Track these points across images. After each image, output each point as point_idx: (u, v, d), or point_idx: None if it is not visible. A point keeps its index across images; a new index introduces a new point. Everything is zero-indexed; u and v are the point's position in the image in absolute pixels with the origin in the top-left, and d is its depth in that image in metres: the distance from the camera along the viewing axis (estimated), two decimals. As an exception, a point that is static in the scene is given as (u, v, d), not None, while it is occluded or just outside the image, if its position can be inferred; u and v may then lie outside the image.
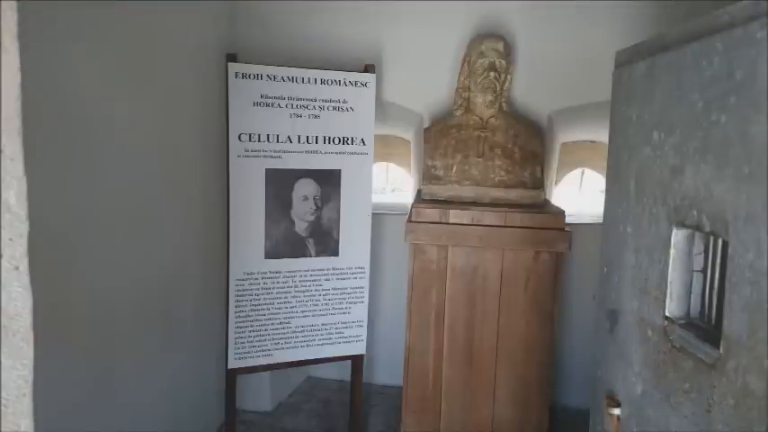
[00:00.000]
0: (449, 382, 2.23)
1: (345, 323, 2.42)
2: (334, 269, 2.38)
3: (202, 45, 2.30)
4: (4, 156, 0.51)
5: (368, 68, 2.38)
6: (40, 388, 0.59)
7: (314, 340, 2.38)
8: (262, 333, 2.29)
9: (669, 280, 1.09)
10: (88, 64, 1.57)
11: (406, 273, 2.22)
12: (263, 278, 2.27)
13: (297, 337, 2.35)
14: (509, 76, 2.42)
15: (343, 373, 2.81)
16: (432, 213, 2.17)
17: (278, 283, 2.30)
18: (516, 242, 2.12)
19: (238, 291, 2.24)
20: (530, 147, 2.40)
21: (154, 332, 2.01)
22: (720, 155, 0.90)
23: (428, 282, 2.20)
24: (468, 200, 2.32)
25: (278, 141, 2.24)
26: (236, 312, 2.24)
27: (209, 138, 2.35)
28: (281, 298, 2.31)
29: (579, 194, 3.44)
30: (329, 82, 2.30)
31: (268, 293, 2.29)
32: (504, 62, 2.35)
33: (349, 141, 2.35)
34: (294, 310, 2.33)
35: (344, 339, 2.42)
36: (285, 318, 2.32)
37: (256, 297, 2.27)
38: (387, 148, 3.19)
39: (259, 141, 2.21)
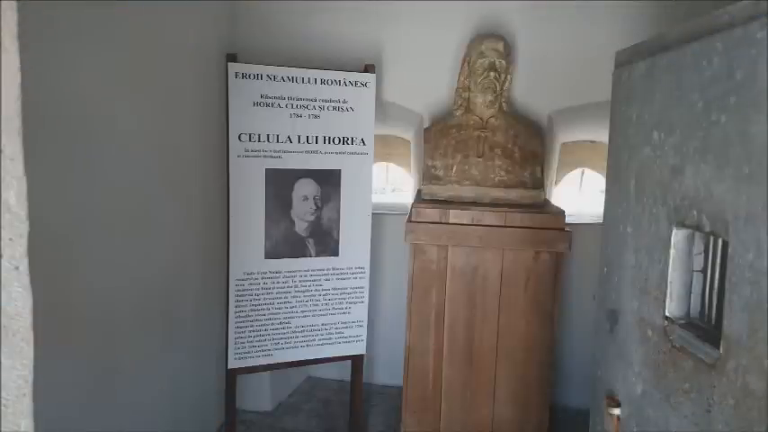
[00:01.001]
0: (449, 382, 2.23)
1: (345, 323, 2.42)
2: (334, 269, 2.38)
3: (202, 45, 2.30)
4: (4, 156, 0.51)
5: (368, 68, 2.38)
6: (40, 388, 0.59)
7: (314, 340, 2.38)
8: (262, 333, 2.29)
9: (669, 280, 1.09)
10: (88, 64, 1.57)
11: (406, 273, 2.22)
12: (263, 278, 2.27)
13: (297, 337, 2.35)
14: (509, 76, 2.42)
15: (343, 373, 2.81)
16: (432, 213, 2.17)
17: (278, 283, 2.30)
18: (516, 242, 2.12)
19: (238, 291, 2.24)
20: (530, 147, 2.40)
21: (154, 332, 2.01)
22: (720, 155, 0.90)
23: (428, 282, 2.20)
24: (468, 200, 2.32)
25: (278, 141, 2.24)
26: (236, 312, 2.24)
27: (209, 138, 2.35)
28: (281, 298, 2.31)
29: (579, 194, 3.44)
30: (329, 82, 2.30)
31: (268, 293, 2.29)
32: (504, 62, 2.35)
33: (349, 141, 2.35)
34: (294, 310, 2.33)
35: (344, 339, 2.42)
36: (285, 318, 2.32)
37: (256, 297, 2.27)
38: (387, 148, 3.19)
39: (259, 141, 2.21)
